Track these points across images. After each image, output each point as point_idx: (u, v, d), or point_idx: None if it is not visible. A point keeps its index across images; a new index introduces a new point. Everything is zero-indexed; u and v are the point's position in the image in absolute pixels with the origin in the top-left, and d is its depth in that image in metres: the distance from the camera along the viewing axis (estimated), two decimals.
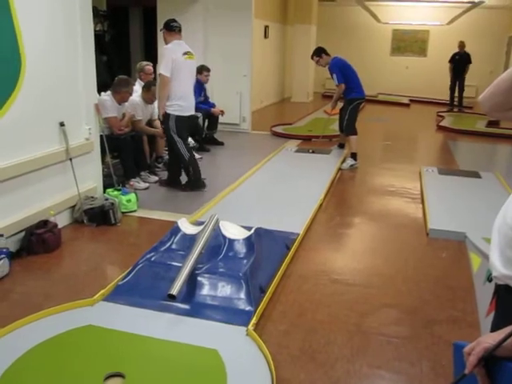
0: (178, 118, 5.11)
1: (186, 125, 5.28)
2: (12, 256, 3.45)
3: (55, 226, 3.81)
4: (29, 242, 3.64)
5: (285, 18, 13.57)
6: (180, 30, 5.08)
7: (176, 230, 3.55)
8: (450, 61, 12.61)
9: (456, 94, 12.84)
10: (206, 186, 5.33)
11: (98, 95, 4.84)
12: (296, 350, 2.61)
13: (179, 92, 5.05)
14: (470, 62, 12.45)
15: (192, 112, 5.33)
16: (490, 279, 1.31)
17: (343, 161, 6.75)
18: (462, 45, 12.51)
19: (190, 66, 5.20)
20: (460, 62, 12.46)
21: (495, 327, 1.20)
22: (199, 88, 7.37)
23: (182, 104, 5.10)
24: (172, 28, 5.04)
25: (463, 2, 13.64)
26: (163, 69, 4.95)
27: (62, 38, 4.02)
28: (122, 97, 5.21)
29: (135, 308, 2.88)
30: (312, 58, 7.05)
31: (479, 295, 3.18)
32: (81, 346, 2.55)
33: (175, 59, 4.96)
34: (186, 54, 5.07)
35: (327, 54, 6.86)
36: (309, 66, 12.93)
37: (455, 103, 12.89)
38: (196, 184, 5.30)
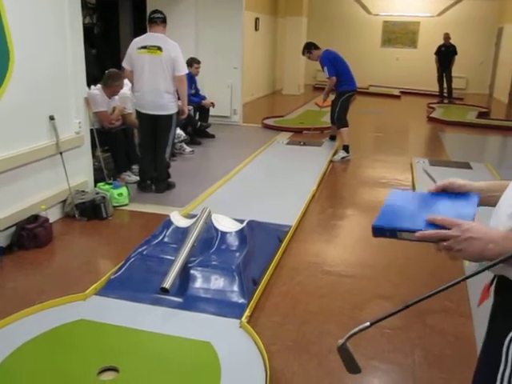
0: (137, 113, 5.05)
1: (146, 123, 4.96)
2: (3, 251, 3.43)
3: (46, 220, 3.79)
4: (20, 237, 3.61)
5: (275, 10, 13.50)
6: (163, 21, 4.85)
7: (168, 223, 3.54)
8: (436, 53, 12.59)
9: (445, 85, 12.86)
10: (146, 191, 5.00)
11: (87, 89, 4.80)
12: (289, 342, 2.62)
13: (135, 86, 4.94)
14: (455, 53, 12.43)
15: (155, 112, 4.85)
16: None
17: (335, 153, 6.76)
18: (447, 36, 12.47)
19: (149, 61, 4.75)
20: (446, 54, 12.44)
21: (493, 315, 1.22)
22: (190, 81, 7.32)
23: (139, 100, 4.95)
24: (150, 19, 4.89)
25: None
26: (123, 61, 4.96)
27: (50, 31, 3.97)
28: (112, 91, 5.16)
29: (128, 302, 2.88)
30: (303, 54, 7.04)
31: (471, 286, 3.20)
32: (73, 340, 2.54)
33: (130, 53, 4.87)
34: (143, 48, 4.77)
35: (317, 48, 6.85)
36: (300, 59, 12.86)
37: (445, 94, 12.92)
38: (139, 185, 5.10)
